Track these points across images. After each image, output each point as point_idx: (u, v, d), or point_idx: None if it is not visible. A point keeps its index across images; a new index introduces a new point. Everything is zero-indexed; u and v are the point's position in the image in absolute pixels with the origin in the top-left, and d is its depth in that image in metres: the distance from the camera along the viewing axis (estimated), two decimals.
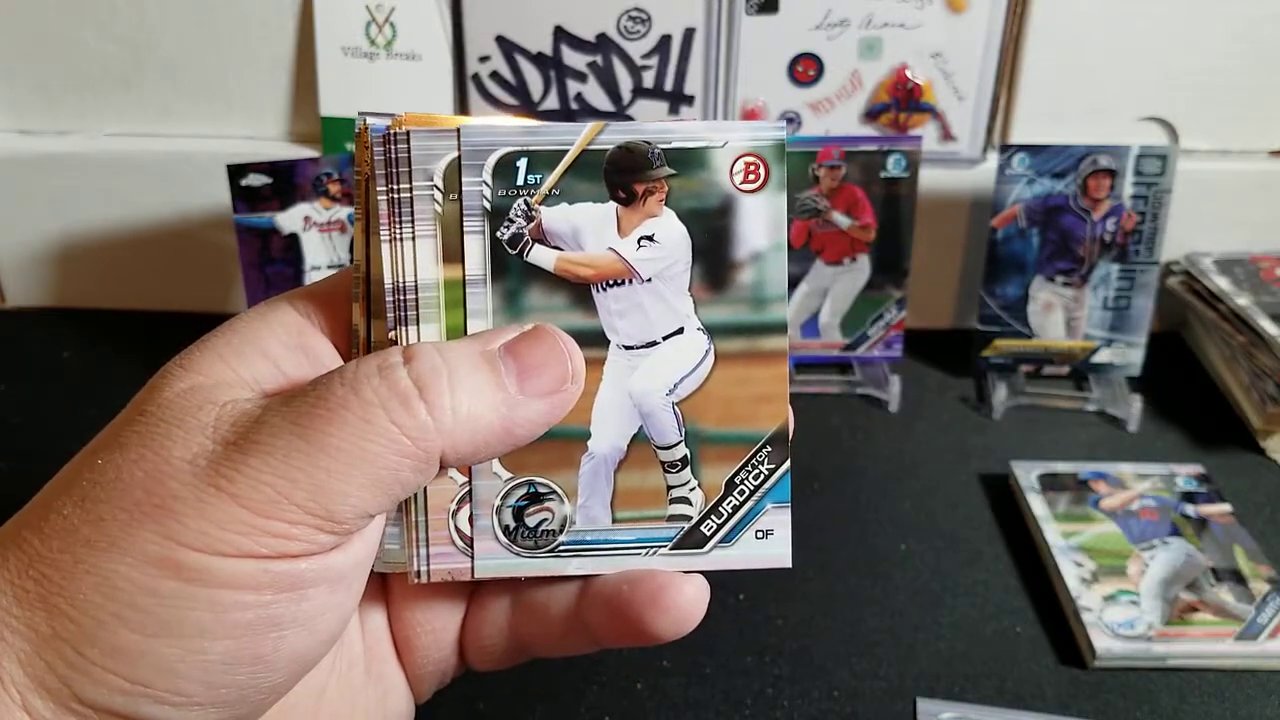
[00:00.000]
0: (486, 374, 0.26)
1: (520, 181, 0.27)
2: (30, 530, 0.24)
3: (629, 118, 0.67)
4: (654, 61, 0.66)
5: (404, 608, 0.30)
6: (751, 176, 0.28)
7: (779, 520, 0.29)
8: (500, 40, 0.66)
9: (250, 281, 0.63)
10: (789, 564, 0.29)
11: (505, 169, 0.27)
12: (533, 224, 0.28)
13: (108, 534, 0.23)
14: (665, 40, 0.66)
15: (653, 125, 0.28)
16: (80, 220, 0.71)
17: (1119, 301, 0.65)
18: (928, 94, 0.67)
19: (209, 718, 0.24)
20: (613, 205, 0.28)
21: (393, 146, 0.27)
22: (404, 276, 0.27)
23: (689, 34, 0.65)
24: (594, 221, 0.28)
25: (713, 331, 0.28)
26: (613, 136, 0.27)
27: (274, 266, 0.63)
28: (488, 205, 0.27)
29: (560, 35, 0.65)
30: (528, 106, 0.67)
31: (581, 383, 0.27)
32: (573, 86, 0.67)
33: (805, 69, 0.66)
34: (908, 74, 0.66)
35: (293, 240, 0.63)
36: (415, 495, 0.27)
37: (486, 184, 0.27)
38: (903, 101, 0.67)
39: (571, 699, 0.46)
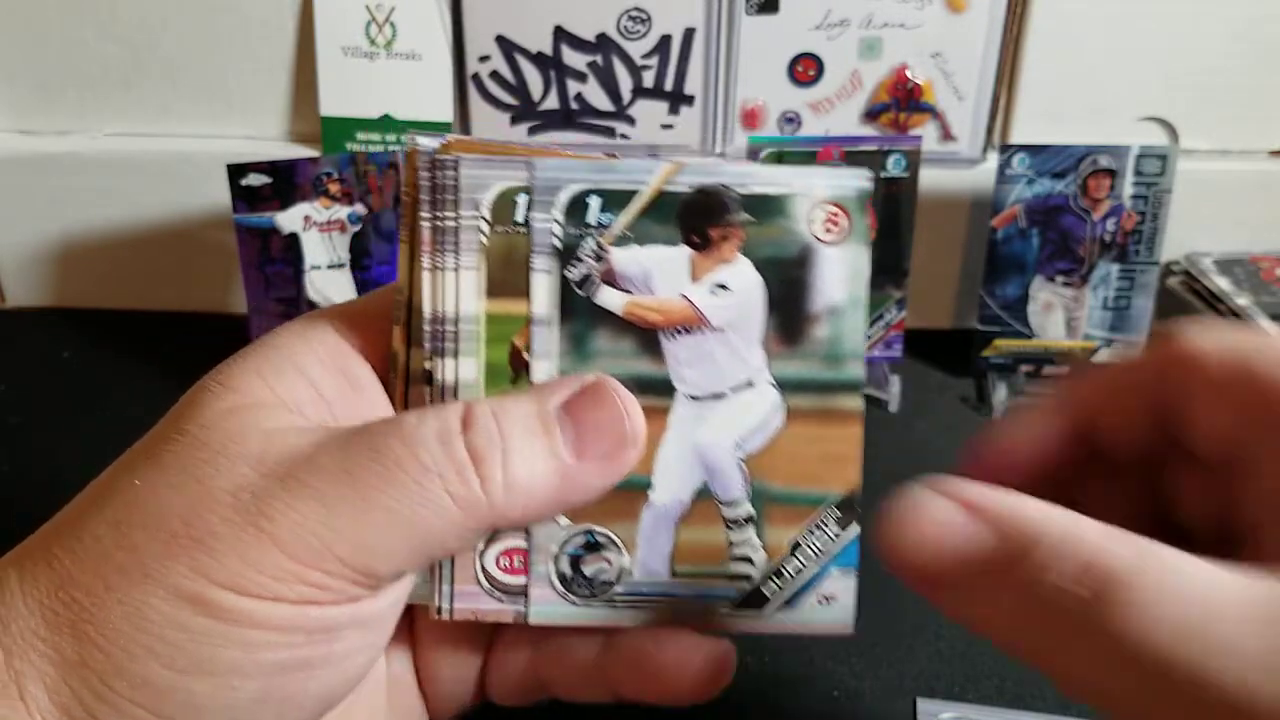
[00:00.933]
0: (542, 442, 0.25)
1: (592, 220, 0.26)
2: (62, 549, 0.23)
3: (629, 118, 0.67)
4: (654, 61, 0.66)
5: (429, 641, 0.30)
6: (832, 226, 0.27)
7: (844, 586, 0.28)
8: (500, 40, 0.66)
9: (250, 281, 0.63)
10: (851, 631, 0.28)
11: (578, 207, 0.26)
12: (602, 265, 0.26)
13: (142, 563, 0.23)
14: (665, 40, 0.66)
15: (733, 168, 0.26)
16: (80, 220, 0.71)
17: (1119, 301, 0.65)
18: (928, 94, 0.67)
19: None
20: (685, 250, 0.27)
21: (440, 172, 0.26)
22: (443, 306, 0.26)
23: (689, 34, 0.65)
24: (666, 265, 0.27)
25: (785, 386, 0.27)
26: (689, 178, 0.26)
27: (274, 266, 0.63)
28: (558, 244, 0.26)
29: (560, 35, 0.65)
30: (527, 106, 0.67)
31: (641, 446, 0.26)
32: (573, 86, 0.67)
33: (805, 69, 0.66)
34: (908, 74, 0.66)
35: (293, 240, 0.63)
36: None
37: (558, 222, 0.26)
38: (903, 101, 0.67)
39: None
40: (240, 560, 0.22)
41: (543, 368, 0.27)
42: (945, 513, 0.23)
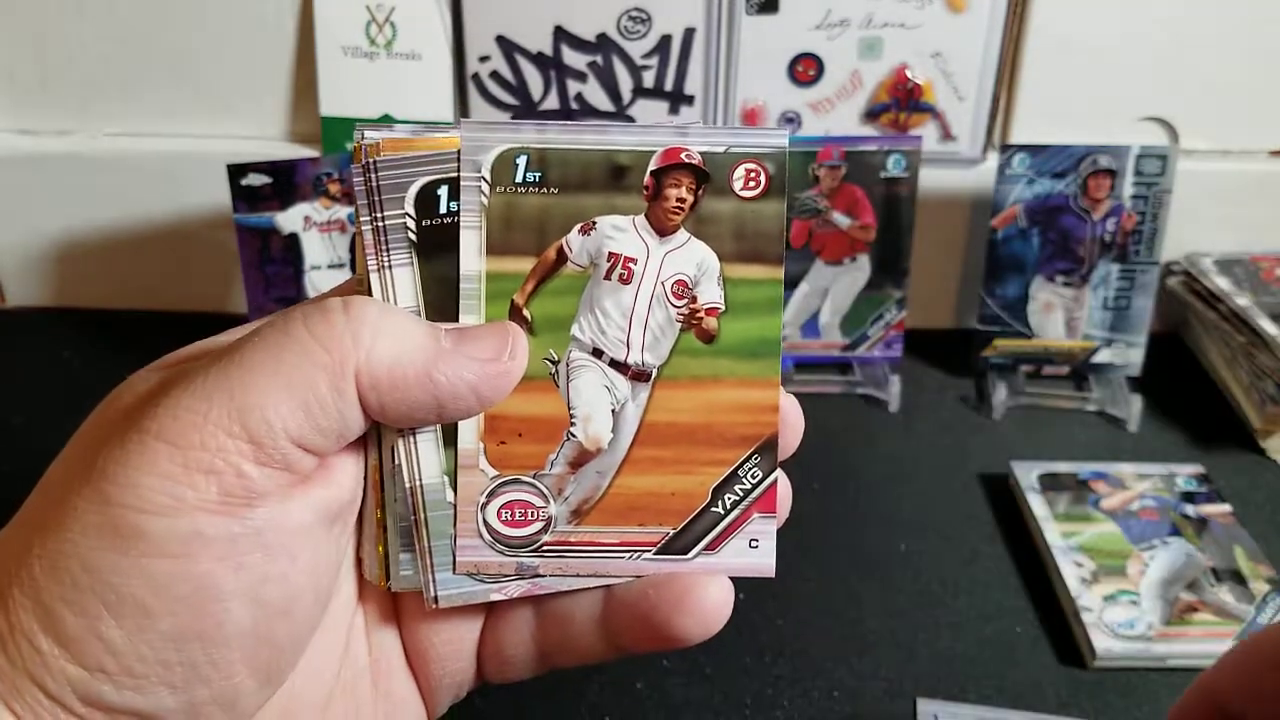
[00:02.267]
0: (421, 324, 0.26)
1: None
2: (3, 532, 0.24)
3: (629, 118, 0.67)
4: (654, 61, 0.66)
5: (418, 620, 0.29)
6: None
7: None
8: (500, 40, 0.66)
9: (250, 281, 0.63)
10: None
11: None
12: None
13: (55, 510, 0.23)
14: (665, 40, 0.66)
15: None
16: (80, 220, 0.71)
17: (1119, 301, 0.65)
18: (928, 94, 0.67)
19: (176, 699, 0.23)
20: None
21: (372, 175, 0.26)
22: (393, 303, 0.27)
23: (689, 34, 0.65)
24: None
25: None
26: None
27: (274, 266, 0.63)
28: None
29: (560, 35, 0.65)
30: (528, 106, 0.67)
31: (521, 361, 0.27)
32: (573, 86, 0.67)
33: (805, 69, 0.66)
34: (908, 74, 0.66)
35: (293, 240, 0.63)
36: (423, 521, 0.27)
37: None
38: (903, 101, 0.67)
39: (571, 698, 0.46)
40: (129, 467, 0.23)
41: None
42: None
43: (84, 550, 0.22)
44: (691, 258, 0.28)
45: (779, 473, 0.28)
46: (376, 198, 0.26)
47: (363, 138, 0.26)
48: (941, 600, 0.52)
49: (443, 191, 0.27)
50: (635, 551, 0.28)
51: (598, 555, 0.28)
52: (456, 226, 0.27)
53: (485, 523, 0.28)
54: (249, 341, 0.24)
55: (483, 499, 0.28)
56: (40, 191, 0.71)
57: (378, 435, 0.27)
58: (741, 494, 0.28)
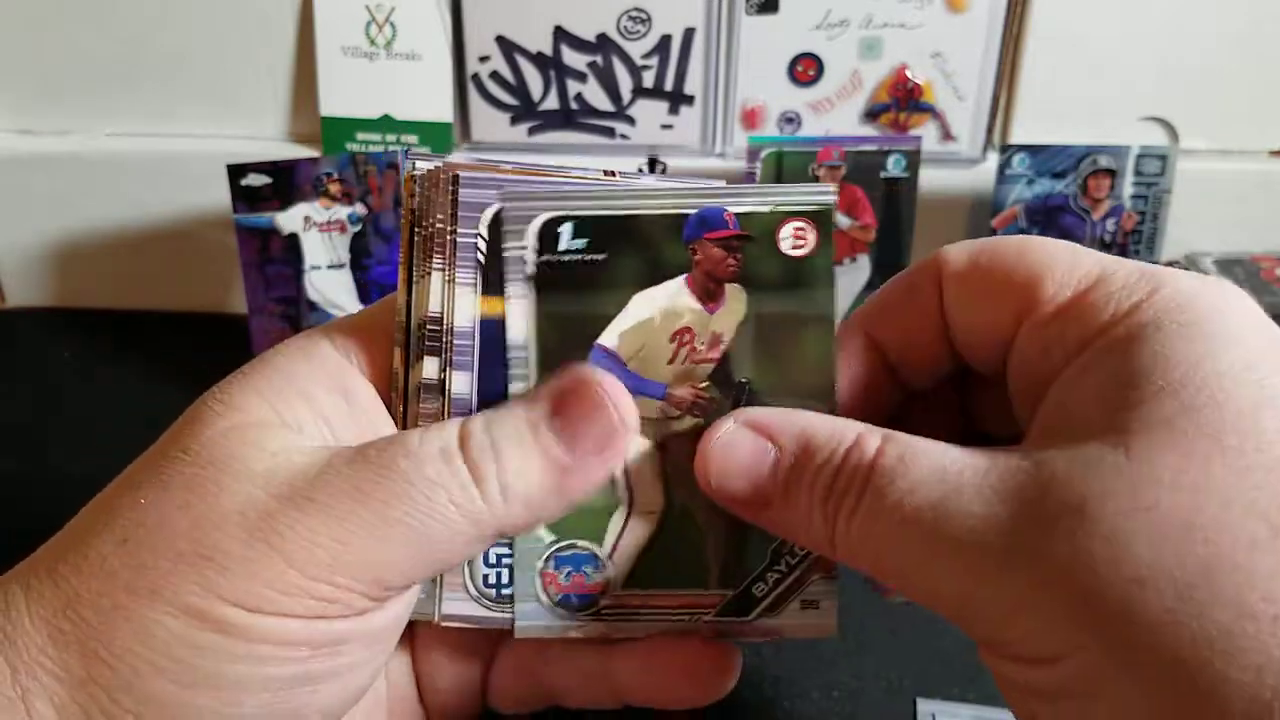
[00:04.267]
0: (532, 444, 0.25)
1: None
2: (68, 567, 0.23)
3: (629, 118, 0.67)
4: (654, 61, 0.66)
5: (430, 650, 0.30)
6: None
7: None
8: (500, 40, 0.66)
9: (250, 281, 0.63)
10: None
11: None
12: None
13: (149, 581, 0.23)
14: (665, 40, 0.66)
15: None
16: (80, 220, 0.71)
17: None
18: (928, 94, 0.67)
19: None
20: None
21: (454, 188, 0.26)
22: (452, 317, 0.27)
23: (689, 34, 0.65)
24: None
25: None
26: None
27: (274, 266, 0.63)
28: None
29: (560, 35, 0.65)
30: (527, 106, 0.67)
31: (633, 426, 0.27)
32: (573, 86, 0.67)
33: (805, 69, 0.66)
34: (908, 74, 0.66)
35: (293, 240, 0.63)
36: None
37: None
38: (903, 101, 0.67)
39: None
40: (249, 577, 0.23)
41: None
42: (737, 435, 0.26)
43: (182, 628, 0.22)
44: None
45: None
46: (455, 213, 0.26)
47: (414, 165, 0.27)
48: None
49: (564, 229, 0.26)
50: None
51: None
52: (576, 265, 0.27)
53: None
54: (389, 490, 0.24)
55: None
56: (40, 191, 0.71)
57: None
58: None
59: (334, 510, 0.23)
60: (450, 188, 0.26)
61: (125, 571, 0.23)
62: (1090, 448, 0.22)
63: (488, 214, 0.26)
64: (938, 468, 0.23)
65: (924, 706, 0.46)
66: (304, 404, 0.26)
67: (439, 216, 0.26)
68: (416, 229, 0.27)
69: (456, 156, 0.27)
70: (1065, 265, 0.25)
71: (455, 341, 0.27)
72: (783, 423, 0.26)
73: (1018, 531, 0.22)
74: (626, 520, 0.28)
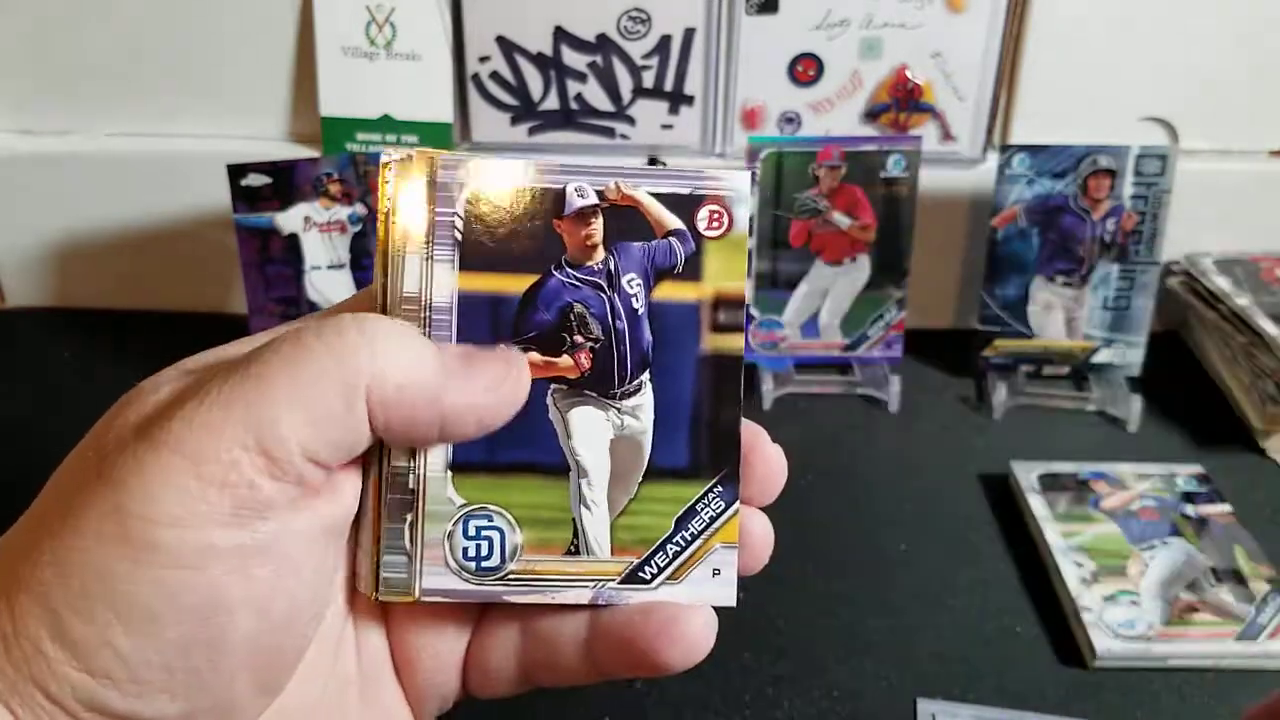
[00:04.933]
0: (430, 346, 0.26)
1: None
2: (11, 534, 0.24)
3: (629, 118, 0.67)
4: (654, 61, 0.66)
5: (406, 629, 0.30)
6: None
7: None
8: (500, 40, 0.66)
9: (250, 281, 0.63)
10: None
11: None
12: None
13: (66, 515, 0.23)
14: (665, 40, 0.66)
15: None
16: (80, 220, 0.71)
17: (1119, 301, 0.65)
18: (928, 94, 0.67)
19: (177, 706, 0.24)
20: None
21: (432, 171, 0.28)
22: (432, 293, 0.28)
23: (689, 34, 0.65)
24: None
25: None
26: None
27: (274, 266, 0.63)
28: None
29: (560, 35, 0.65)
30: (527, 106, 0.67)
31: (524, 388, 0.27)
32: (573, 86, 0.67)
33: (805, 69, 0.66)
34: (908, 74, 0.66)
35: (292, 240, 0.63)
36: (421, 519, 0.27)
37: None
38: (903, 101, 0.67)
39: (571, 698, 0.46)
40: (144, 478, 0.23)
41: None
42: None
43: (96, 558, 0.23)
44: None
45: (751, 510, 0.29)
46: (434, 194, 0.28)
47: (387, 158, 0.28)
48: (941, 600, 0.52)
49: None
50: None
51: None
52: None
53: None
54: (263, 353, 0.24)
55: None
56: (40, 191, 0.71)
57: (379, 446, 0.27)
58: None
59: (211, 389, 0.24)
60: (428, 171, 0.27)
61: (47, 512, 0.24)
62: None
63: (464, 194, 0.28)
64: None
65: (924, 706, 0.46)
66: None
67: (413, 200, 0.27)
68: (390, 217, 0.27)
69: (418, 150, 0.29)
70: None
71: (434, 317, 0.28)
72: None
73: None
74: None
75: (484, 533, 0.28)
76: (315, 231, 0.63)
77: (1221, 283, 0.66)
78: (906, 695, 0.47)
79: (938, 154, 0.68)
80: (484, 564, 0.28)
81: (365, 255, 0.63)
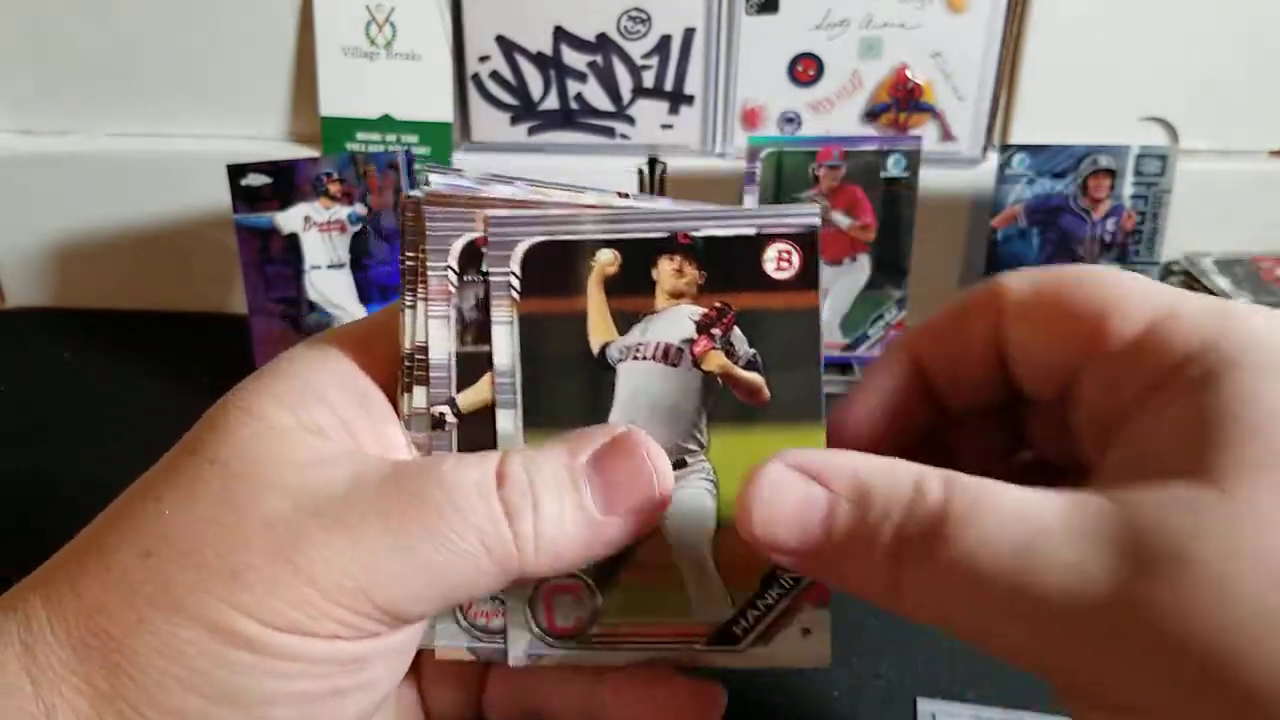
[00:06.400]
0: (571, 497, 0.25)
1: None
2: (89, 578, 0.23)
3: (629, 118, 0.67)
4: (654, 61, 0.66)
5: (428, 670, 0.30)
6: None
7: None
8: (500, 40, 0.66)
9: (250, 281, 0.63)
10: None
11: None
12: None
13: (173, 594, 0.22)
14: (665, 40, 0.66)
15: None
16: (80, 220, 0.71)
17: None
18: (928, 94, 0.67)
19: None
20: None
21: (419, 219, 0.26)
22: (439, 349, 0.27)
23: (689, 34, 0.65)
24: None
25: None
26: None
27: (274, 266, 0.63)
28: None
29: (560, 35, 0.65)
30: (527, 106, 0.67)
31: (668, 498, 0.26)
32: (573, 86, 0.67)
33: (805, 69, 0.66)
34: (908, 74, 0.66)
35: (293, 240, 0.63)
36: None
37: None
38: (903, 101, 0.67)
39: None
40: (273, 595, 0.22)
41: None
42: (783, 479, 0.24)
43: (206, 642, 0.22)
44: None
45: None
46: (426, 244, 0.26)
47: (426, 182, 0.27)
48: None
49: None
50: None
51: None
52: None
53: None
54: (419, 522, 0.24)
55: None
56: (40, 191, 0.71)
57: None
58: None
59: (362, 534, 0.23)
60: (421, 217, 0.26)
61: (149, 585, 0.22)
62: (1179, 489, 0.21)
63: (457, 245, 0.26)
64: (1014, 513, 0.22)
65: (924, 706, 0.46)
66: (323, 409, 0.26)
67: (421, 247, 0.26)
68: (406, 256, 0.27)
69: (439, 180, 0.27)
70: (1134, 299, 0.25)
71: (432, 375, 0.27)
72: (833, 466, 0.24)
73: (1113, 579, 0.21)
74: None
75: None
76: (315, 231, 0.63)
77: (1221, 283, 0.66)
78: (906, 695, 0.47)
79: (938, 154, 0.68)
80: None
81: (365, 255, 0.63)
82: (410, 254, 0.26)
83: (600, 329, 0.27)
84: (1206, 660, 0.20)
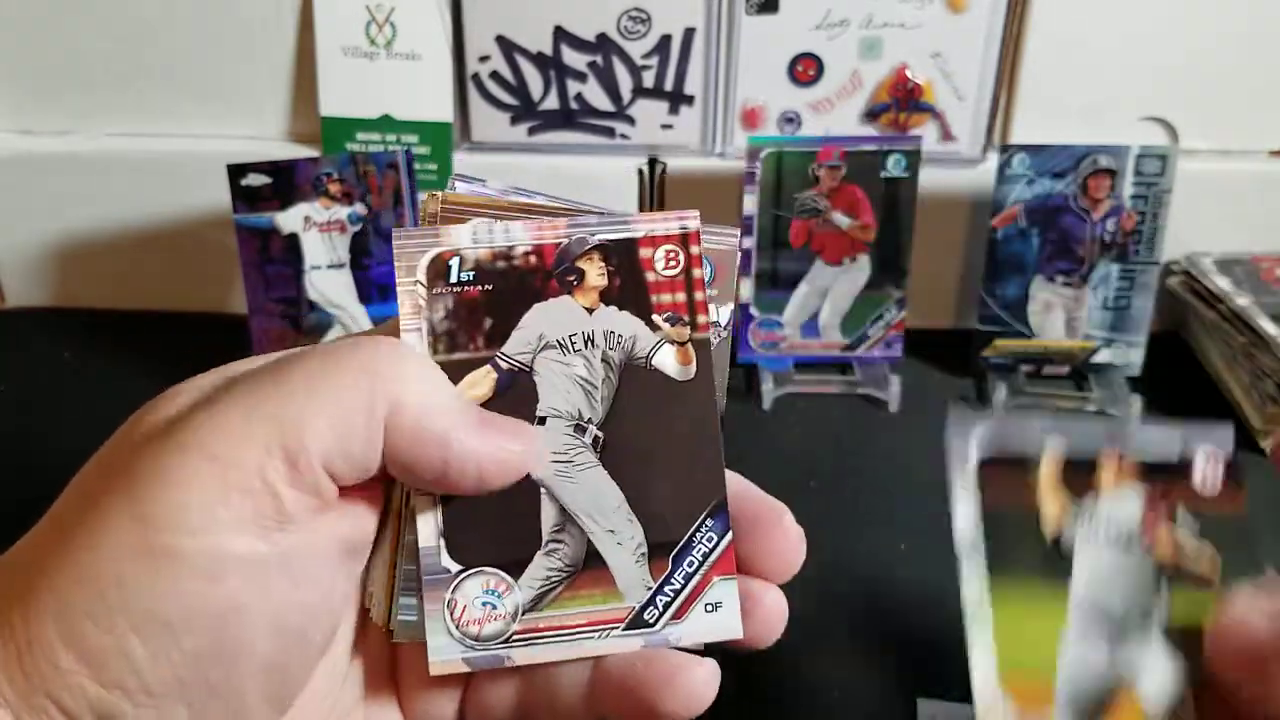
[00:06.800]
0: (454, 388, 0.26)
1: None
2: (23, 541, 0.24)
3: (629, 118, 0.67)
4: (654, 61, 0.66)
5: (408, 677, 0.30)
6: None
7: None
8: (500, 40, 0.66)
9: (250, 281, 0.63)
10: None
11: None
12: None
13: (86, 521, 0.23)
14: (665, 40, 0.66)
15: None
16: (80, 220, 0.71)
17: (1119, 301, 0.65)
18: (928, 94, 0.67)
19: (190, 718, 0.24)
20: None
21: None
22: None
23: (689, 34, 0.65)
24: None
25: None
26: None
27: (274, 266, 0.63)
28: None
29: (560, 35, 0.65)
30: (527, 106, 0.67)
31: (535, 459, 0.27)
32: (573, 86, 0.67)
33: (805, 69, 0.66)
34: (908, 74, 0.66)
35: (293, 240, 0.63)
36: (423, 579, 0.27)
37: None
38: (903, 101, 0.67)
39: None
40: (169, 484, 0.23)
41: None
42: (1253, 610, 0.28)
43: (115, 568, 0.22)
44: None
45: (766, 585, 0.29)
46: (400, 263, 0.28)
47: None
48: (941, 600, 0.52)
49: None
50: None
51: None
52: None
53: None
54: (291, 361, 0.24)
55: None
56: (40, 191, 0.71)
57: (400, 485, 0.27)
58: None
59: (240, 389, 0.24)
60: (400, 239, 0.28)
61: (67, 516, 0.24)
62: None
63: (423, 261, 0.28)
64: None
65: (924, 706, 0.46)
66: None
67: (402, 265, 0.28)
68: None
69: (463, 188, 0.29)
70: None
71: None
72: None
73: None
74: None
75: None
76: (315, 231, 0.63)
77: (1221, 283, 0.66)
78: (906, 695, 0.47)
79: (938, 154, 0.68)
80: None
81: (365, 255, 0.63)
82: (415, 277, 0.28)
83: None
84: None
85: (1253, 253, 0.69)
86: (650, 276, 0.29)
